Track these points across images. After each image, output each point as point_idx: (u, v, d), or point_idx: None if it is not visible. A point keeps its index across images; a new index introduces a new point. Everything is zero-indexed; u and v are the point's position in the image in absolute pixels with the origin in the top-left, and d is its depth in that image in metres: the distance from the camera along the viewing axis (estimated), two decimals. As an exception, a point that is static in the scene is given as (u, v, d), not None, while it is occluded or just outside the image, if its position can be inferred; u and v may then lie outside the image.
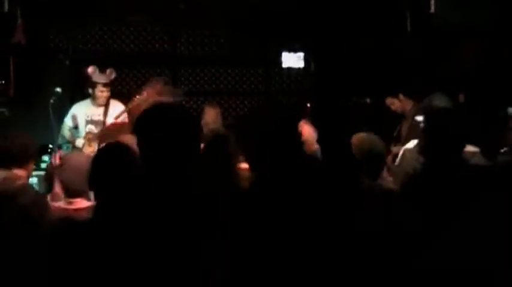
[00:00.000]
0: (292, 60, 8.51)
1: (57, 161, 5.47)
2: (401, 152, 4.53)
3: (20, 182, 3.51)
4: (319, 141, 4.13)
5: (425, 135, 2.90)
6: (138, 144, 2.21)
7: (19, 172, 3.65)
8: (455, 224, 2.62)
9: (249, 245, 2.07)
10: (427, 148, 2.84)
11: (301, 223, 2.16)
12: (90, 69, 6.26)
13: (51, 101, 5.92)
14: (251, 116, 2.42)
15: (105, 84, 6.33)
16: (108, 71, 6.34)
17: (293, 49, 8.44)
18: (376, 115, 6.47)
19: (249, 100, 8.38)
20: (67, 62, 7.29)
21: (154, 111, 2.24)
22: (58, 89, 6.03)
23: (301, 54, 8.50)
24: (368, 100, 6.97)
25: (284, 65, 8.48)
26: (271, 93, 8.54)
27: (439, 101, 5.55)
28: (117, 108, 6.36)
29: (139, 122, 2.22)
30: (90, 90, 6.37)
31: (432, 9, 6.91)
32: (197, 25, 8.13)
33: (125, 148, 2.59)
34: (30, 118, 6.70)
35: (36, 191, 3.49)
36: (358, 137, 3.62)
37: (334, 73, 8.00)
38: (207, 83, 8.56)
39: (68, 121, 6.35)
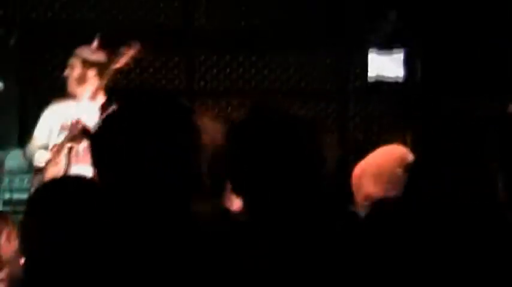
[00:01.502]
0: (385, 65, 6.67)
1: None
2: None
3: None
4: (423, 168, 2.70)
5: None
6: (94, 157, 1.82)
7: None
8: None
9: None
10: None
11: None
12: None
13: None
14: (246, 122, 2.00)
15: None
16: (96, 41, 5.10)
17: (387, 48, 6.65)
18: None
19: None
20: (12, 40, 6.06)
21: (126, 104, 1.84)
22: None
23: (400, 57, 6.61)
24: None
25: (371, 74, 6.62)
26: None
27: None
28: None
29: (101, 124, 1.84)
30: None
31: None
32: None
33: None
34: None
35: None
36: None
37: (449, 85, 6.63)
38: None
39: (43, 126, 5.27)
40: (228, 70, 6.43)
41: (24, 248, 1.99)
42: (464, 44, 6.73)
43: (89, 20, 6.27)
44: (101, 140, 1.81)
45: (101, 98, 5.03)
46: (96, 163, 1.81)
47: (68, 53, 5.17)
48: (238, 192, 2.02)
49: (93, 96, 5.05)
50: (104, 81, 5.05)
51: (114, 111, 1.83)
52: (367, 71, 6.59)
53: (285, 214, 1.95)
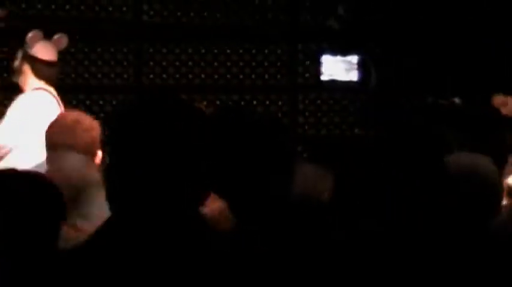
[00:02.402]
0: (338, 68, 6.61)
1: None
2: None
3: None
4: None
5: None
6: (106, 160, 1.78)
7: None
8: None
9: None
10: None
11: None
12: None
13: None
14: (229, 128, 2.04)
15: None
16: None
17: (340, 51, 6.61)
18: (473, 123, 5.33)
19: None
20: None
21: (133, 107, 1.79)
22: None
23: (353, 59, 6.60)
24: (457, 100, 6.01)
25: (324, 77, 6.54)
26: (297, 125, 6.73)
27: None
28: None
29: (111, 128, 1.79)
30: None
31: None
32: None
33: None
34: None
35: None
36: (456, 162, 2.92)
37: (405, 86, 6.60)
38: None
39: None
40: (177, 63, 6.32)
41: None
42: (420, 45, 6.62)
43: (40, 15, 6.19)
44: (115, 136, 1.74)
45: (40, 93, 4.82)
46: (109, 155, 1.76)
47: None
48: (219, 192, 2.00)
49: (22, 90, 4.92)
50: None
51: (130, 109, 1.77)
52: (318, 65, 6.50)
53: (265, 213, 1.95)
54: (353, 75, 6.47)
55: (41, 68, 4.74)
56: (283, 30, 6.56)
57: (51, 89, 4.79)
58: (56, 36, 4.84)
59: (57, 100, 4.84)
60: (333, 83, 6.49)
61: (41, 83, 4.73)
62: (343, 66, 6.49)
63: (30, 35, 4.79)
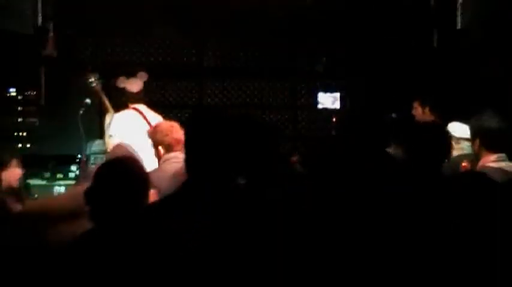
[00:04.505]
0: (327, 100, 8.22)
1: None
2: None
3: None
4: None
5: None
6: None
7: None
8: None
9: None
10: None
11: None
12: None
13: (80, 111, 6.03)
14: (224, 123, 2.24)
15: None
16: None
17: (329, 89, 8.20)
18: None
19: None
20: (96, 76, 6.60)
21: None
22: (88, 100, 6.10)
23: (337, 95, 8.16)
24: (394, 115, 6.42)
25: (319, 106, 8.18)
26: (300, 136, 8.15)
27: (491, 121, 4.52)
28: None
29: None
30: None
31: (459, 26, 7.07)
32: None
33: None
34: (59, 128, 6.96)
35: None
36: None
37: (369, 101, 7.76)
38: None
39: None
40: (230, 97, 7.69)
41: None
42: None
43: (128, 59, 7.67)
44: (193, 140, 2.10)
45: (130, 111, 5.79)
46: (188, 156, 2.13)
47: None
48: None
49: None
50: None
51: (200, 120, 2.14)
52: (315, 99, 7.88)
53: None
54: (336, 105, 8.15)
55: (132, 97, 5.84)
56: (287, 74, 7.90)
57: (142, 107, 5.79)
58: (139, 73, 5.96)
59: (141, 113, 5.81)
60: (324, 110, 8.08)
61: (134, 105, 5.80)
62: (330, 99, 8.17)
63: (132, 79, 5.90)
